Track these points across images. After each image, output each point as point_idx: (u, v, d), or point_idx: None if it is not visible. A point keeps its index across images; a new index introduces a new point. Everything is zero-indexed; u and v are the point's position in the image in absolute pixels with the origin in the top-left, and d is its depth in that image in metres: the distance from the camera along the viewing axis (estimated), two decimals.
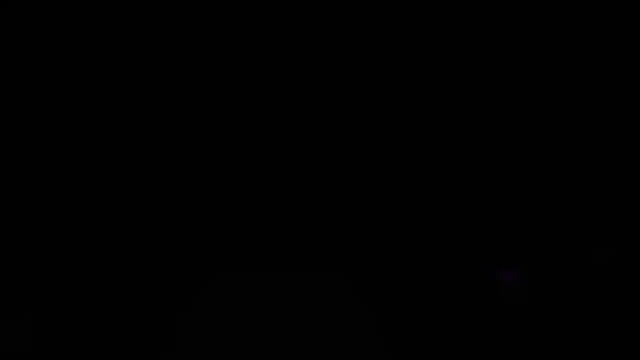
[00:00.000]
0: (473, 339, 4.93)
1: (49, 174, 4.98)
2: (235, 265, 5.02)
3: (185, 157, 5.10)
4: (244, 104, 5.17)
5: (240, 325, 4.90)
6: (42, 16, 5.06)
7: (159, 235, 5.00)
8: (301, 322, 4.93)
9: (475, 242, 5.07)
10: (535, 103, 5.15)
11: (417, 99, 5.14)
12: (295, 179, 5.12)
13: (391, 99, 5.15)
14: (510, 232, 5.07)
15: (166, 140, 5.10)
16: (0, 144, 4.98)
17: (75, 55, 5.09)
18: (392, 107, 5.16)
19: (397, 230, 5.09)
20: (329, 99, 5.16)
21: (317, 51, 5.18)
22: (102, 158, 5.02)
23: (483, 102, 5.14)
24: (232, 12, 5.15)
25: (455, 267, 5.03)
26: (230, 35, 5.15)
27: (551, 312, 4.93)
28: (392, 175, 5.12)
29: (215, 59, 5.15)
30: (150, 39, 5.11)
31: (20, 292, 4.87)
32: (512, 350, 4.91)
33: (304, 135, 5.13)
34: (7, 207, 4.95)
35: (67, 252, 4.95)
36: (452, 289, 4.99)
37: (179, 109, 5.14)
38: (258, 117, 5.16)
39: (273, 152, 5.14)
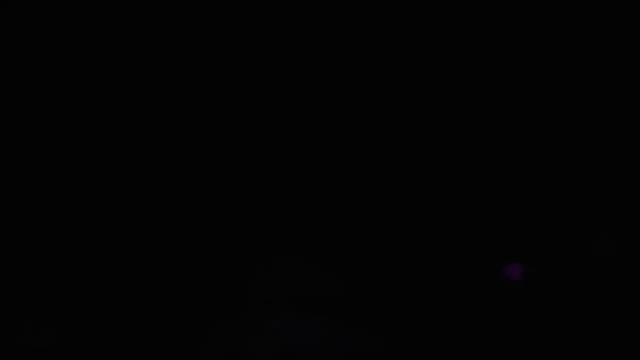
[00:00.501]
0: (478, 336, 4.94)
1: (78, 177, 4.99)
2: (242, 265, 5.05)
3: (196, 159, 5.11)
4: (245, 103, 5.17)
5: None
6: (42, 16, 5.04)
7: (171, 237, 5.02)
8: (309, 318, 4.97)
9: (480, 240, 5.08)
10: (535, 103, 5.14)
11: (421, 99, 5.14)
12: (304, 179, 5.14)
13: (395, 99, 5.14)
14: (514, 229, 5.07)
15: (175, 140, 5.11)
16: (6, 145, 4.98)
17: (74, 55, 5.08)
18: (396, 107, 5.15)
19: (403, 229, 5.10)
20: (331, 98, 5.15)
21: (316, 51, 5.17)
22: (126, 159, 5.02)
23: (485, 102, 5.14)
24: (232, 12, 5.13)
25: (460, 265, 5.04)
26: (230, 35, 5.14)
27: (555, 308, 4.95)
28: (399, 175, 5.13)
29: (215, 59, 5.15)
30: (150, 38, 5.10)
31: (45, 289, 4.90)
32: (517, 346, 4.92)
33: (312, 136, 5.14)
34: (27, 209, 4.98)
35: (90, 248, 4.98)
36: (457, 286, 5.01)
37: (180, 109, 5.14)
38: (260, 116, 5.17)
39: (278, 153, 5.15)
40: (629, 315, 4.94)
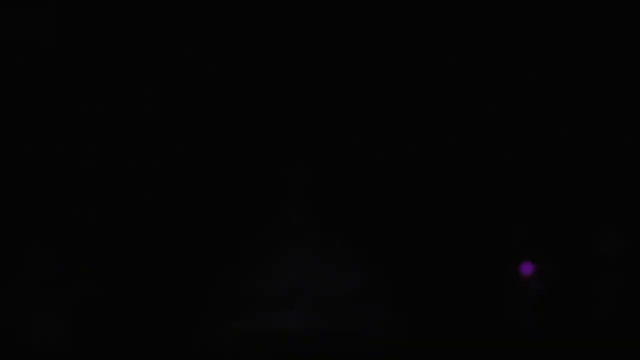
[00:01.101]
0: (491, 334, 4.93)
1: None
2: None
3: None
4: (245, 103, 5.17)
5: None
6: (42, 16, 5.05)
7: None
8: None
9: (493, 237, 5.06)
10: (539, 100, 5.15)
11: (428, 96, 5.15)
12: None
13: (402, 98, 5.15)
14: (527, 225, 5.07)
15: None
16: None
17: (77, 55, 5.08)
18: (403, 104, 5.16)
19: (416, 224, 5.10)
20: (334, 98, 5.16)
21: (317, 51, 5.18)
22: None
23: (490, 99, 5.15)
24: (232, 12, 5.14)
25: (473, 261, 5.02)
26: (230, 35, 5.15)
27: (569, 305, 4.93)
28: (412, 170, 5.13)
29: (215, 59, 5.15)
30: (150, 38, 5.11)
31: (59, 287, 4.88)
32: (530, 345, 4.90)
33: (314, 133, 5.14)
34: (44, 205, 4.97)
35: (102, 242, 4.98)
36: (469, 283, 4.99)
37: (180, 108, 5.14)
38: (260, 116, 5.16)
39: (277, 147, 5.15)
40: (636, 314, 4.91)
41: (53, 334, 4.79)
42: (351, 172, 5.13)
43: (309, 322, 4.87)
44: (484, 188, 5.11)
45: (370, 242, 5.07)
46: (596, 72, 5.11)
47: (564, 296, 4.97)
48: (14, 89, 5.01)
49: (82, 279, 4.89)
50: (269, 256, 5.02)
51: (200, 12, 5.06)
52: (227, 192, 5.09)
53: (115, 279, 4.93)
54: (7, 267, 4.87)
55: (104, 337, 4.85)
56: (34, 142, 5.00)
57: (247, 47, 5.14)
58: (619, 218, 5.03)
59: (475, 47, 5.14)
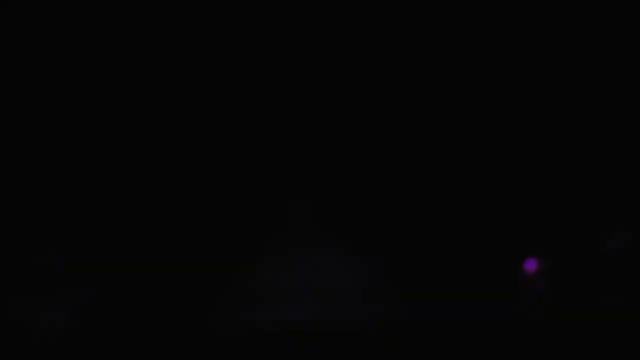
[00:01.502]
0: (497, 329, 4.93)
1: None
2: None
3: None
4: (246, 104, 5.17)
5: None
6: (41, 16, 5.06)
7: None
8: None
9: (499, 234, 5.07)
10: (547, 98, 5.15)
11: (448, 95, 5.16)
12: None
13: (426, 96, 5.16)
14: (532, 223, 5.07)
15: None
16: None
17: (75, 55, 5.09)
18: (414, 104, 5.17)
19: (423, 222, 5.10)
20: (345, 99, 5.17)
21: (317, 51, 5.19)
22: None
23: (494, 98, 5.16)
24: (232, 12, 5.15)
25: (479, 258, 5.03)
26: (230, 35, 5.15)
27: (572, 301, 4.93)
28: (423, 167, 5.14)
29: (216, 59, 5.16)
30: (150, 38, 5.11)
31: (57, 277, 4.89)
32: (534, 341, 4.91)
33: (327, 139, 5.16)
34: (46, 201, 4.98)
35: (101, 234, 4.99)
36: (475, 279, 5.00)
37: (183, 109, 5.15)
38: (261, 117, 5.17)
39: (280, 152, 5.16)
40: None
41: (57, 330, 4.81)
42: (351, 173, 5.14)
43: (309, 320, 4.88)
44: (487, 188, 5.12)
45: (370, 241, 5.08)
46: (598, 74, 5.13)
47: (565, 292, 4.99)
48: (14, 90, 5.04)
49: (86, 277, 4.91)
50: (271, 254, 5.03)
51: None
52: (234, 194, 5.11)
53: (126, 275, 4.96)
54: (8, 267, 4.88)
55: (114, 331, 4.87)
56: (34, 143, 5.01)
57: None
58: (624, 216, 5.04)
59: (480, 50, 5.16)
